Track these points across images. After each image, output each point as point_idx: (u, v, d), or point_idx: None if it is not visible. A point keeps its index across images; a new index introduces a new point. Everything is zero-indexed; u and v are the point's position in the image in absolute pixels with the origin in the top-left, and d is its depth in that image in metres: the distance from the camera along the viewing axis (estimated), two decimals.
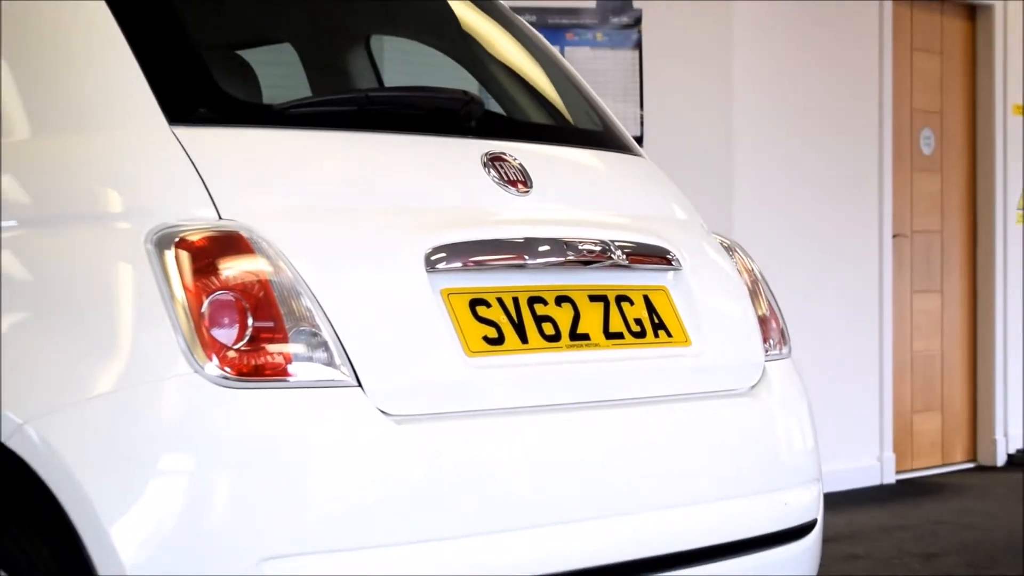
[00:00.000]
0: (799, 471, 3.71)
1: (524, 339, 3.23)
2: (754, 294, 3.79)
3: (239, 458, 2.86)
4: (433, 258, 3.15)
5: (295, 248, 2.99)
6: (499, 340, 3.19)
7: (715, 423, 3.54)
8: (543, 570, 3.08)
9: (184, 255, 2.92)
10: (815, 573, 3.80)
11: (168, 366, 2.87)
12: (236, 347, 2.88)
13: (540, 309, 3.28)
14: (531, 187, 3.44)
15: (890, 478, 8.79)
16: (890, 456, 8.82)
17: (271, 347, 2.90)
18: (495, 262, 3.25)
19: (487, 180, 3.39)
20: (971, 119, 9.63)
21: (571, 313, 3.33)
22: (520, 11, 4.36)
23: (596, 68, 7.32)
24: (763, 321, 3.77)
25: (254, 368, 2.89)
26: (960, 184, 9.58)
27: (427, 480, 2.98)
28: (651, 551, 3.26)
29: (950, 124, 9.49)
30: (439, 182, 3.36)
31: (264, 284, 2.93)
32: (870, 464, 8.70)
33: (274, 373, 2.90)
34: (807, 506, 3.70)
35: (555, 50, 4.22)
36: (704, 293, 3.63)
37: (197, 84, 3.32)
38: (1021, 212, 9.77)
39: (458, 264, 3.19)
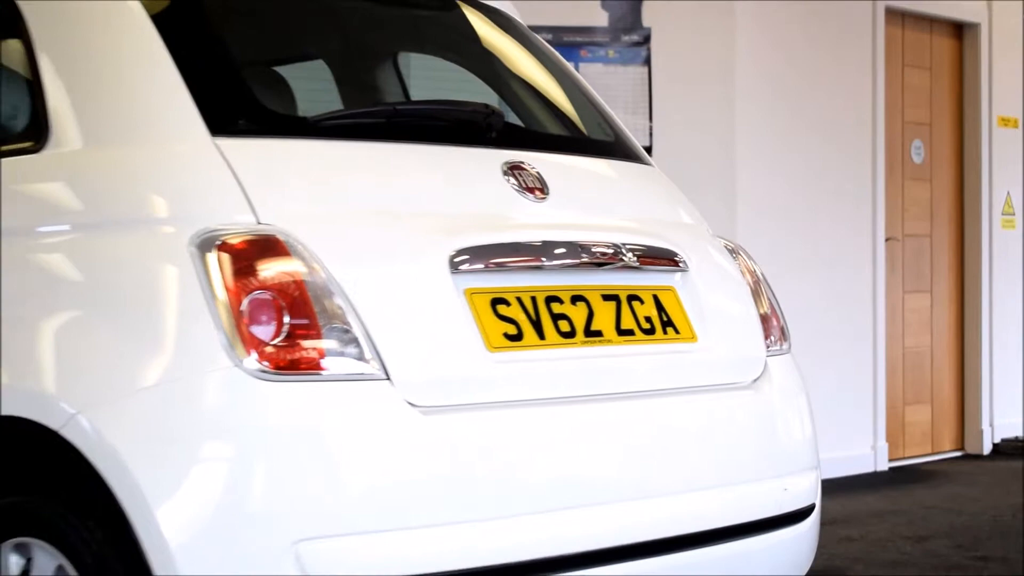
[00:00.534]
0: (798, 459, 3.70)
1: (541, 335, 3.23)
2: (756, 293, 3.79)
3: (276, 446, 2.87)
4: (456, 260, 3.15)
5: (328, 250, 3.00)
6: (518, 336, 3.19)
7: (720, 414, 3.54)
8: (559, 551, 3.08)
9: (225, 257, 2.93)
10: (813, 554, 3.80)
11: (210, 360, 2.88)
12: (273, 343, 2.89)
13: (556, 307, 3.28)
14: (548, 194, 3.44)
15: (883, 466, 8.78)
16: (883, 445, 8.81)
17: (306, 343, 2.91)
18: (514, 264, 3.25)
19: (507, 187, 3.39)
20: (958, 131, 9.62)
21: (585, 311, 3.33)
22: (537, 29, 4.35)
23: (608, 83, 7.32)
24: (764, 319, 3.76)
25: (290, 362, 2.89)
26: (948, 191, 9.57)
27: (451, 467, 2.99)
28: (660, 534, 3.26)
29: (939, 135, 9.49)
30: (462, 189, 3.36)
31: (299, 284, 2.93)
32: (864, 453, 8.69)
33: (308, 367, 2.90)
34: (806, 492, 3.70)
35: (570, 66, 4.22)
36: (709, 292, 3.63)
37: (237, 98, 3.33)
38: (1005, 217, 9.77)
39: (480, 265, 3.19)
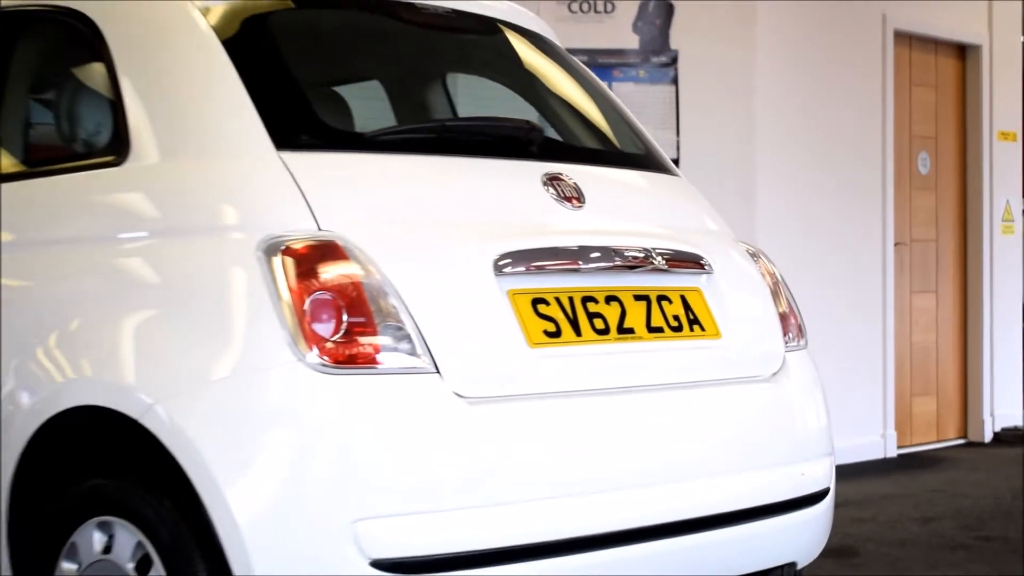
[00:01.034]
0: (814, 446, 3.69)
1: (578, 332, 3.23)
2: (775, 294, 3.78)
3: (334, 433, 2.88)
4: (500, 263, 3.15)
5: (383, 254, 3.00)
6: (557, 333, 3.19)
7: (742, 405, 3.53)
8: (597, 530, 3.08)
9: (289, 261, 2.94)
10: (828, 533, 3.79)
11: (275, 355, 2.89)
12: (333, 339, 2.90)
13: (592, 307, 3.28)
14: (584, 202, 3.44)
15: (892, 452, 8.75)
16: (892, 433, 8.78)
17: (363, 339, 2.91)
18: (553, 266, 3.25)
19: (546, 197, 3.39)
20: (962, 144, 9.58)
21: (618, 310, 3.33)
22: (574, 52, 4.36)
23: (638, 100, 7.31)
24: (783, 317, 3.76)
25: (348, 357, 2.90)
26: (952, 199, 9.53)
27: (495, 453, 2.99)
28: (690, 514, 3.26)
29: (943, 148, 9.45)
30: (505, 198, 3.37)
31: (357, 285, 2.94)
32: (875, 440, 8.66)
33: (365, 361, 2.91)
34: (821, 476, 3.69)
35: (604, 85, 4.21)
36: (732, 293, 3.62)
37: (299, 115, 3.34)
38: (1005, 223, 9.73)
39: (522, 268, 3.19)
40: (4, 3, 3.89)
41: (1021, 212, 9.94)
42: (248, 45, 3.35)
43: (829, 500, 3.73)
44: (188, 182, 3.20)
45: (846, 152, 8.48)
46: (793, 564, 3.70)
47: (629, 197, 3.74)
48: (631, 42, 7.56)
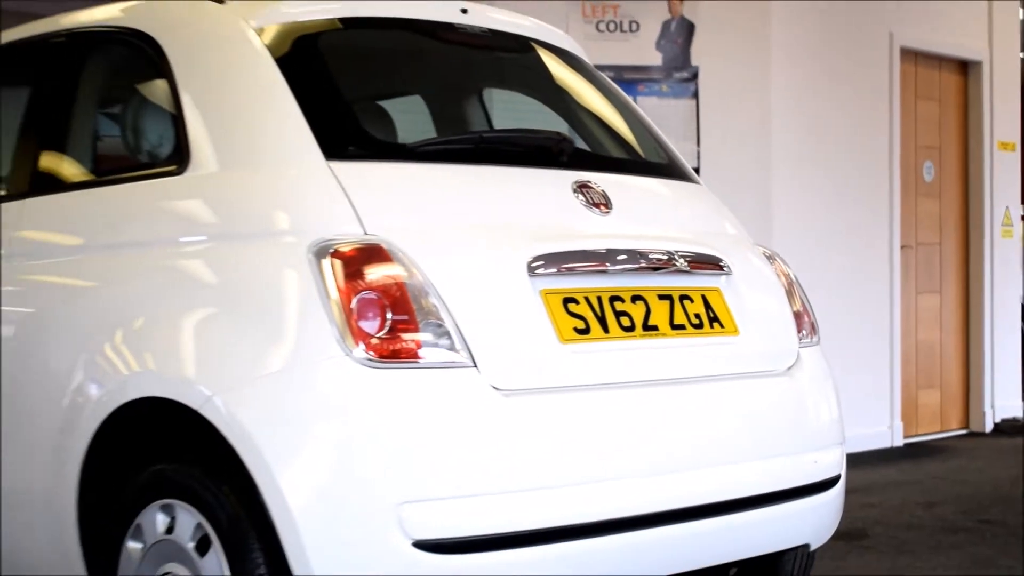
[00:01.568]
0: (826, 436, 3.68)
1: (606, 329, 3.23)
2: (790, 294, 3.77)
3: (380, 423, 2.88)
4: (533, 265, 3.15)
5: (424, 256, 3.01)
6: (586, 330, 3.18)
7: (759, 398, 3.52)
8: (624, 513, 3.08)
9: (337, 263, 2.94)
10: (839, 517, 3.77)
11: (324, 350, 2.90)
12: (378, 335, 2.90)
13: (619, 306, 3.28)
14: (611, 208, 3.43)
15: (898, 442, 8.71)
16: (898, 424, 8.74)
17: (405, 335, 2.92)
18: (583, 268, 3.25)
19: (576, 203, 3.38)
20: (964, 153, 9.54)
21: (643, 309, 3.32)
22: (601, 68, 4.35)
23: (661, 113, 7.30)
24: (797, 315, 3.74)
25: (392, 352, 2.90)
26: (955, 205, 9.49)
27: (529, 441, 2.99)
28: (709, 499, 3.25)
29: (947, 157, 9.41)
30: (538, 204, 3.36)
31: (400, 285, 2.94)
32: (882, 431, 8.63)
33: (408, 356, 2.91)
34: (832, 464, 3.67)
35: (629, 99, 4.21)
36: (750, 293, 3.61)
37: (347, 127, 3.35)
38: (1004, 228, 9.70)
39: (553, 270, 3.18)
40: (75, 24, 3.91)
41: (1020, 217, 9.91)
42: (299, 62, 3.36)
43: (840, 486, 3.72)
44: (244, 190, 3.21)
45: (855, 161, 8.46)
46: (807, 545, 3.69)
47: (653, 203, 3.73)
48: (655, 59, 7.55)
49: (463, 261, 3.09)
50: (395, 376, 2.89)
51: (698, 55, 7.60)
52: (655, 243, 3.42)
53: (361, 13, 3.65)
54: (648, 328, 3.31)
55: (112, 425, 3.24)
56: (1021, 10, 10.05)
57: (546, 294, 3.15)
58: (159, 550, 3.13)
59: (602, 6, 7.51)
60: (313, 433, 2.89)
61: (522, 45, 4.00)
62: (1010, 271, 9.75)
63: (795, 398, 3.62)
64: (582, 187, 3.42)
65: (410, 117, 4.06)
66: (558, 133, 3.62)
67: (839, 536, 4.07)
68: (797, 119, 8.03)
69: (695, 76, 7.58)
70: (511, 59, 4.06)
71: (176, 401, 3.05)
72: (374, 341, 2.89)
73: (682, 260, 3.43)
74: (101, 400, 3.24)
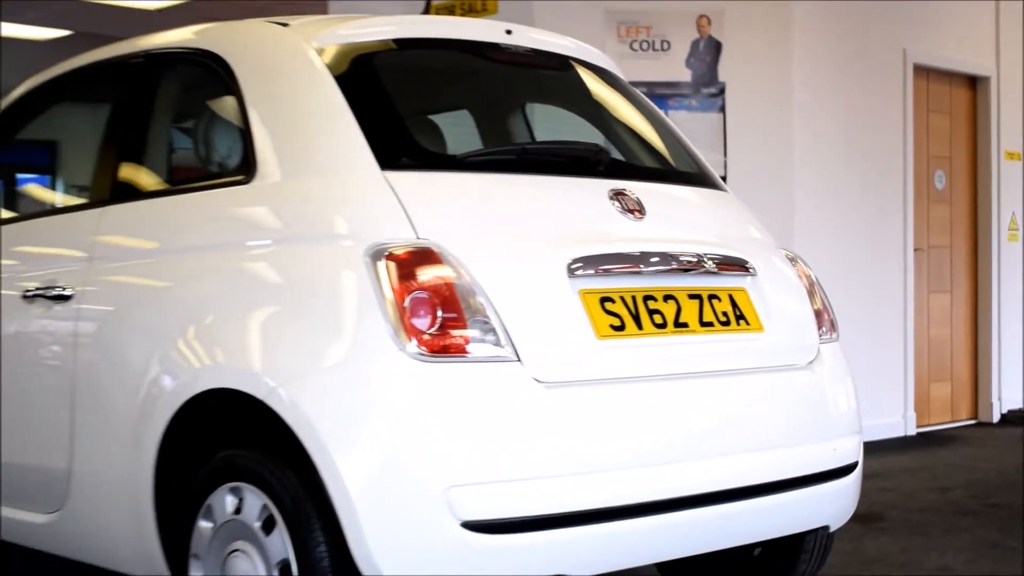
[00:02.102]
0: (844, 425, 3.66)
1: (640, 326, 3.22)
2: (811, 293, 3.75)
3: (431, 413, 2.88)
4: (572, 266, 3.14)
5: (472, 259, 3.00)
6: (621, 327, 3.18)
7: (782, 390, 3.50)
8: (656, 497, 3.07)
9: (392, 265, 2.95)
10: (857, 501, 3.75)
11: (380, 345, 2.90)
12: (429, 332, 2.90)
13: (651, 304, 3.27)
14: (645, 214, 3.42)
15: (912, 431, 8.66)
16: (912, 414, 8.69)
17: (455, 332, 2.92)
18: (618, 269, 3.24)
19: (612, 209, 3.38)
20: (973, 163, 9.49)
21: (675, 307, 3.31)
22: (635, 84, 4.34)
23: (691, 126, 7.28)
24: (817, 313, 3.72)
25: (442, 347, 2.90)
26: (964, 211, 9.43)
27: (568, 430, 2.98)
28: (734, 484, 3.24)
29: (957, 166, 9.36)
30: (577, 210, 3.35)
31: (450, 286, 2.94)
32: (896, 421, 8.58)
33: (457, 351, 2.91)
34: (851, 451, 3.65)
35: (661, 112, 4.19)
36: (773, 292, 3.59)
37: (400, 140, 3.35)
38: (1011, 232, 9.64)
39: (591, 271, 3.18)
40: (152, 46, 3.93)
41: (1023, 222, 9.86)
42: (357, 80, 3.36)
43: (858, 472, 3.69)
44: (305, 197, 3.21)
45: (871, 170, 8.42)
46: (826, 527, 3.67)
47: (684, 209, 3.72)
48: (684, 75, 7.53)
49: (507, 263, 3.08)
50: (444, 369, 2.89)
51: (725, 72, 7.57)
52: (685, 246, 3.41)
53: (413, 34, 3.66)
54: (679, 325, 3.30)
55: (184, 414, 3.26)
56: None
57: (584, 294, 3.15)
58: (228, 529, 3.15)
59: (636, 27, 7.50)
60: (369, 421, 2.89)
61: (562, 63, 3.99)
62: (1015, 272, 9.69)
63: (815, 390, 3.60)
64: (618, 194, 3.41)
65: (458, 130, 4.05)
66: (595, 144, 3.61)
67: (856, 519, 4.05)
68: (817, 131, 8.00)
69: (722, 91, 7.56)
70: (552, 76, 4.05)
71: (243, 392, 3.06)
72: (425, 337, 2.89)
73: (710, 262, 3.42)
74: (175, 391, 3.26)
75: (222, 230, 3.37)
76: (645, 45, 7.50)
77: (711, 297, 3.42)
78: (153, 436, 3.31)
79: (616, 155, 3.84)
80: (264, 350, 3.08)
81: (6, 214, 4.64)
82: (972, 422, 9.39)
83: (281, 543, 2.99)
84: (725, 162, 7.48)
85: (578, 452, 2.97)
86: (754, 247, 3.68)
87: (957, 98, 9.37)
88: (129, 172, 3.82)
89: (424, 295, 2.92)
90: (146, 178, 3.83)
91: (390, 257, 2.95)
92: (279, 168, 3.29)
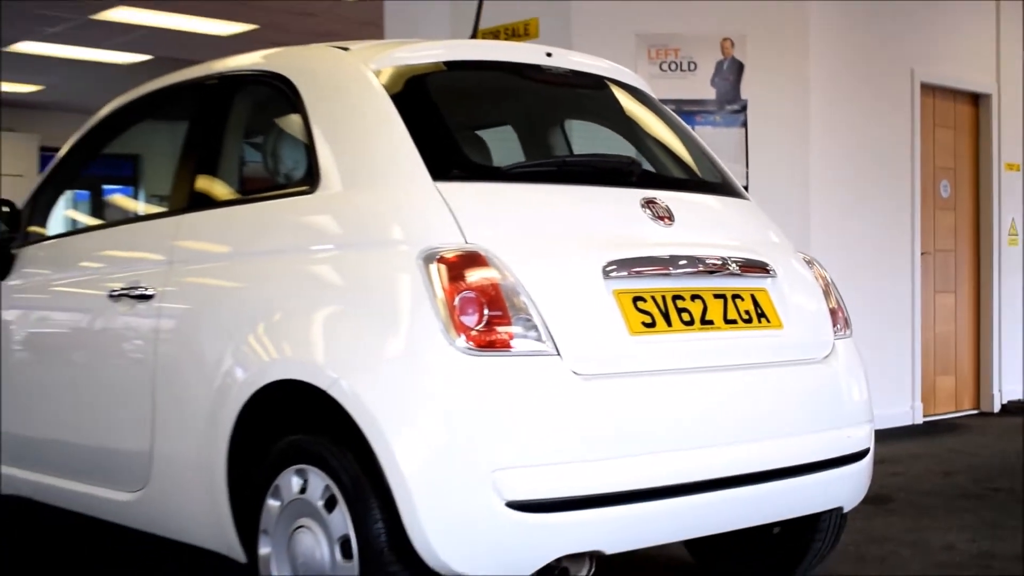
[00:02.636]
0: (857, 414, 3.63)
1: (669, 323, 3.21)
2: (826, 293, 3.72)
3: (477, 402, 2.88)
4: (607, 268, 3.14)
5: (515, 261, 3.00)
6: (652, 324, 3.17)
7: (800, 382, 3.48)
8: (685, 479, 3.07)
9: (443, 267, 2.95)
10: (868, 484, 3.72)
11: (431, 341, 2.90)
12: (476, 328, 2.90)
13: (680, 303, 3.26)
14: (674, 221, 3.41)
15: (919, 420, 8.60)
16: (919, 405, 8.62)
17: (500, 328, 2.91)
18: (649, 271, 3.23)
19: (644, 216, 3.37)
20: (975, 173, 9.41)
21: (701, 306, 3.30)
22: (664, 101, 4.32)
23: (715, 140, 7.24)
24: (833, 312, 3.70)
25: (488, 342, 2.90)
26: (968, 218, 9.36)
27: (603, 418, 2.98)
28: (757, 468, 3.22)
29: (961, 177, 9.28)
30: (611, 217, 3.35)
31: (495, 286, 2.94)
32: (905, 410, 8.52)
33: (502, 346, 2.91)
34: (863, 439, 3.62)
35: (688, 127, 4.18)
36: (792, 292, 3.57)
37: (450, 153, 3.35)
38: (1011, 237, 9.57)
39: (624, 273, 3.17)
40: (225, 69, 3.95)
41: (1022, 228, 9.78)
42: (410, 99, 3.37)
43: (869, 458, 3.67)
44: (364, 206, 3.22)
45: (882, 179, 8.37)
46: (840, 508, 3.65)
47: (709, 216, 3.70)
48: (709, 94, 7.50)
49: (548, 265, 3.08)
50: (490, 362, 2.89)
51: (747, 90, 7.54)
52: (711, 250, 3.40)
53: (462, 57, 3.66)
54: (705, 322, 3.29)
55: (254, 403, 3.27)
56: None
57: (618, 293, 3.14)
58: (294, 507, 3.16)
59: (665, 49, 7.48)
60: (422, 410, 2.89)
61: (597, 83, 3.99)
62: (1015, 274, 9.63)
63: (831, 382, 3.58)
64: (649, 203, 3.40)
65: (503, 144, 4.05)
66: (628, 157, 3.60)
67: (868, 500, 4.02)
68: (832, 144, 7.95)
69: (744, 108, 7.52)
70: (588, 94, 4.05)
71: (307, 383, 3.07)
72: (473, 333, 2.89)
73: (734, 264, 3.41)
74: (246, 382, 3.27)
75: (288, 236, 3.38)
76: (674, 66, 7.48)
77: (735, 297, 3.40)
78: (226, 423, 3.32)
79: (647, 167, 3.83)
80: (326, 345, 3.09)
81: (94, 221, 4.68)
82: (975, 412, 9.31)
83: (342, 520, 3.00)
84: (747, 173, 7.44)
85: (612, 438, 2.96)
86: (774, 251, 3.66)
87: (961, 114, 9.30)
88: (204, 183, 3.84)
89: (472, 295, 2.92)
90: (220, 188, 3.85)
91: (441, 260, 2.95)
92: (340, 179, 3.30)
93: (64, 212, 4.80)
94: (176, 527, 3.69)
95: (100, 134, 4.57)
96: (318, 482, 3.08)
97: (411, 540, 2.86)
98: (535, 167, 3.63)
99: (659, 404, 3.09)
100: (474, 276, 2.94)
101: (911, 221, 8.59)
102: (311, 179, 3.37)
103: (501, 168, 3.51)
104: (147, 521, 3.80)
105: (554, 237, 3.16)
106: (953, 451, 7.35)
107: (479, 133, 3.96)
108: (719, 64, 7.54)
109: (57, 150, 4.74)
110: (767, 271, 3.52)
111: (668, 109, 4.17)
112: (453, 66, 3.61)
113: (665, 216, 3.40)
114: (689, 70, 7.50)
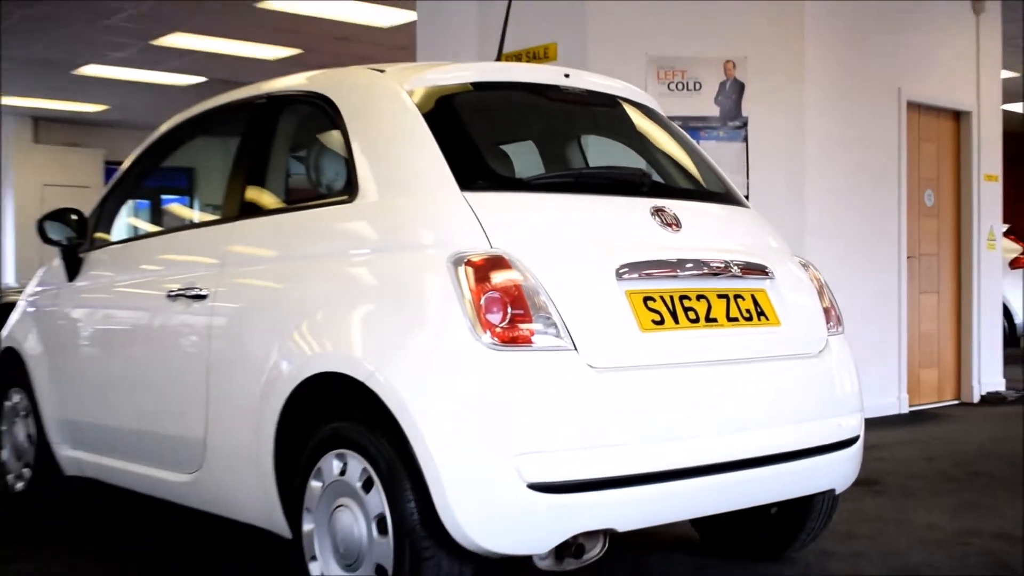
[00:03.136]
0: (848, 404, 3.62)
1: (676, 321, 3.20)
2: (820, 293, 3.71)
3: (501, 393, 2.88)
4: (620, 271, 3.13)
5: (536, 265, 3.00)
6: (661, 322, 3.16)
7: (796, 374, 3.47)
8: (692, 463, 3.06)
9: (470, 270, 2.95)
10: (858, 468, 3.71)
11: (460, 337, 2.90)
12: (501, 325, 2.90)
13: (686, 302, 3.25)
14: (681, 227, 3.40)
15: (905, 410, 8.56)
16: (905, 396, 8.59)
17: (522, 326, 2.91)
18: (658, 273, 3.22)
19: (653, 223, 3.36)
20: (957, 183, 9.37)
21: (706, 305, 3.29)
22: (672, 118, 4.31)
23: (718, 153, 7.23)
24: (826, 310, 3.68)
25: (511, 339, 2.90)
26: (950, 224, 9.31)
27: (617, 407, 2.97)
28: (756, 453, 3.22)
29: (943, 186, 9.24)
30: (624, 224, 3.34)
31: (518, 287, 2.94)
32: (892, 401, 8.48)
33: (523, 341, 2.91)
34: (853, 426, 3.61)
35: (694, 141, 4.17)
36: (789, 293, 3.56)
37: (477, 165, 3.35)
38: (989, 243, 9.51)
39: (636, 275, 3.16)
40: (272, 89, 3.96)
41: (1000, 234, 9.74)
42: (441, 116, 3.37)
43: (859, 444, 3.65)
44: (398, 214, 3.22)
45: (871, 189, 8.34)
46: (832, 490, 3.64)
47: (713, 223, 3.69)
48: (713, 111, 7.48)
49: (565, 268, 3.08)
50: (513, 357, 2.89)
51: (748, 108, 7.52)
52: (715, 254, 3.39)
53: (487, 78, 3.66)
54: (709, 320, 3.28)
55: (298, 393, 3.27)
56: (1002, 72, 9.83)
57: (630, 293, 3.13)
58: (334, 488, 3.16)
59: (673, 70, 7.46)
60: (451, 400, 2.89)
61: (611, 101, 3.98)
62: (993, 276, 9.58)
63: (824, 375, 3.56)
64: (658, 211, 3.39)
65: (524, 157, 4.05)
66: (639, 169, 3.60)
67: (858, 483, 4.01)
68: (826, 157, 7.93)
69: (745, 124, 7.50)
70: (603, 112, 4.04)
71: (347, 375, 3.07)
72: (498, 330, 2.89)
73: (736, 267, 3.40)
74: (291, 374, 3.28)
75: (329, 241, 3.39)
76: (681, 86, 7.46)
77: (736, 297, 3.39)
78: (273, 411, 3.33)
79: (657, 178, 3.82)
80: (364, 340, 3.09)
81: (153, 228, 4.70)
82: (956, 402, 9.26)
83: (378, 500, 3.00)
84: (748, 183, 7.42)
85: (624, 426, 2.96)
86: (773, 254, 3.65)
87: (943, 129, 9.26)
88: (254, 193, 3.85)
89: (496, 295, 2.92)
90: (267, 198, 3.86)
91: (468, 263, 2.95)
92: (376, 190, 3.30)
93: (126, 220, 4.82)
94: (227, 506, 3.70)
95: (159, 149, 4.59)
96: (356, 465, 3.08)
97: (441, 518, 2.86)
98: (554, 178, 3.63)
99: (667, 395, 3.08)
100: (498, 278, 2.94)
101: (898, 227, 8.56)
102: (350, 189, 3.37)
103: (523, 179, 3.50)
104: (201, 500, 3.82)
105: (571, 242, 3.16)
106: (936, 438, 7.31)
107: (503, 147, 3.96)
108: (722, 84, 7.52)
109: (120, 164, 4.76)
110: (766, 273, 3.50)
111: (675, 125, 4.17)
112: (479, 86, 3.61)
113: (673, 223, 3.39)
114: (695, 89, 7.48)
